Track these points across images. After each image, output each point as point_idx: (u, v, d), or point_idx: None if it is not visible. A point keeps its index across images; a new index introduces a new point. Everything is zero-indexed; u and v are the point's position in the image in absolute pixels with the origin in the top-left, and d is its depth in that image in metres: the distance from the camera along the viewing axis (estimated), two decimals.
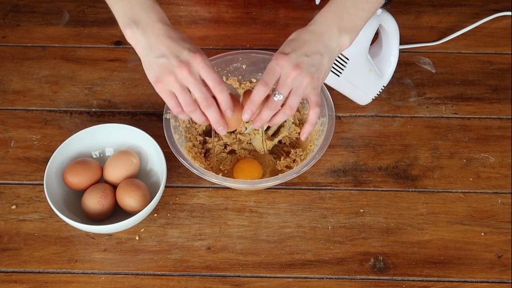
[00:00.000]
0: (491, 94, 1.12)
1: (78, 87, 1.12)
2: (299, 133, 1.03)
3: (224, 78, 1.05)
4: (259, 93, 0.82)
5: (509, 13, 1.22)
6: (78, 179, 0.94)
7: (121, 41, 1.18)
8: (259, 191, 1.00)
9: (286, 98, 0.83)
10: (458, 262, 0.93)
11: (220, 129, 0.84)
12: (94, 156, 1.01)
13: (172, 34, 0.80)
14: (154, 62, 0.80)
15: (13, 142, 1.05)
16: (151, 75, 0.81)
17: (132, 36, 0.81)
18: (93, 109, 1.09)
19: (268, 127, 1.01)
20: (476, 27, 1.20)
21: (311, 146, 0.99)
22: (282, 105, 0.84)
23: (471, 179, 1.02)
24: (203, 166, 0.98)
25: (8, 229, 0.96)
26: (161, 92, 0.81)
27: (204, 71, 0.79)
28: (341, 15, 0.84)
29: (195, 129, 1.03)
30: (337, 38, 0.84)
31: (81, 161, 0.96)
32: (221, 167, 1.01)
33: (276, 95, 0.82)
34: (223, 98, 0.81)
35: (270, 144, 1.01)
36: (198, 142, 1.02)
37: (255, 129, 1.01)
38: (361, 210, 0.98)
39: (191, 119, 0.88)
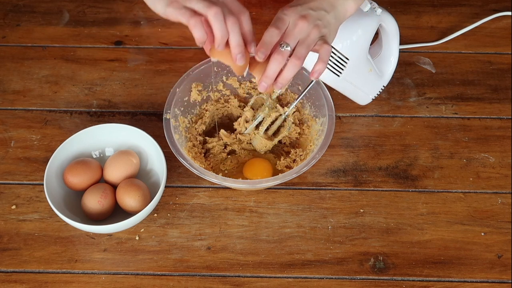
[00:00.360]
0: (491, 94, 1.12)
1: (78, 87, 1.12)
2: (299, 133, 1.03)
3: (224, 78, 1.05)
4: (271, 35, 0.79)
5: (509, 13, 1.22)
6: (78, 179, 0.94)
7: (121, 41, 1.18)
8: (259, 191, 1.00)
9: (293, 50, 0.80)
10: (458, 262, 0.93)
11: (239, 56, 0.79)
12: (94, 156, 1.01)
13: None
14: None
15: (13, 142, 1.05)
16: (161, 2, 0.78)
17: None
18: (93, 109, 1.09)
19: (268, 127, 1.01)
20: (476, 27, 1.20)
21: (311, 146, 0.99)
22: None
23: (471, 179, 1.02)
24: (203, 166, 0.98)
25: (8, 229, 0.96)
26: (176, 12, 0.77)
27: None
28: None
29: (195, 129, 1.03)
30: (342, 0, 0.85)
31: (81, 161, 0.96)
32: (221, 167, 1.01)
33: (283, 46, 0.79)
34: (248, 26, 0.79)
35: (270, 144, 1.01)
36: (198, 142, 1.02)
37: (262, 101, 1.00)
38: (361, 210, 0.98)
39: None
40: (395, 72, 1.06)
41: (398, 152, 1.05)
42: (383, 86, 1.06)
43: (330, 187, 1.01)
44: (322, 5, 0.83)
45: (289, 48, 0.79)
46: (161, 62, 1.15)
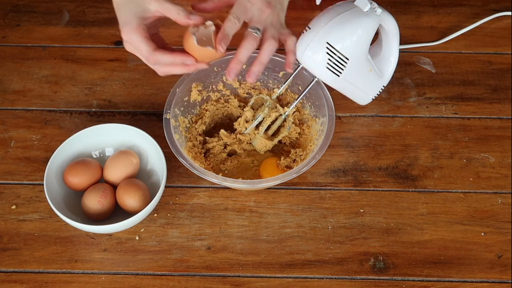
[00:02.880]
0: (491, 94, 1.12)
1: (78, 87, 1.12)
2: (299, 133, 1.03)
3: (224, 78, 1.05)
4: (231, 26, 0.83)
5: (509, 13, 1.22)
6: (78, 179, 0.94)
7: (121, 41, 1.18)
8: (259, 191, 1.00)
9: (263, 34, 0.86)
10: (458, 262, 0.93)
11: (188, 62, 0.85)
12: (94, 156, 1.01)
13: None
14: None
15: (13, 142, 1.05)
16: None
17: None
18: (93, 109, 1.09)
19: (268, 127, 1.01)
20: (476, 27, 1.20)
21: (311, 146, 0.99)
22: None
23: (471, 179, 1.02)
24: (203, 166, 0.98)
25: (8, 229, 0.96)
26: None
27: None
28: None
29: (195, 129, 1.03)
30: None
31: (81, 161, 0.96)
32: (221, 167, 1.01)
33: (255, 31, 0.85)
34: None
35: (270, 144, 1.01)
36: (198, 142, 1.02)
37: (252, 129, 1.00)
38: (361, 210, 0.98)
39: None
40: (395, 72, 1.06)
41: (398, 152, 1.05)
42: (383, 86, 1.06)
43: (330, 187, 1.01)
44: None
45: (259, 33, 0.84)
46: None
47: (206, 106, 1.05)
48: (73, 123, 1.07)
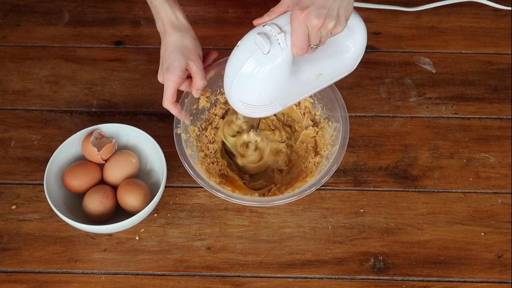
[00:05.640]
0: (491, 94, 1.12)
1: (78, 87, 1.12)
2: (316, 133, 1.02)
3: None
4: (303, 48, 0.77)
5: (509, 11, 1.21)
6: (78, 182, 0.94)
7: (121, 41, 1.18)
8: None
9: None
10: (458, 262, 0.93)
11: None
12: None
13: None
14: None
15: (13, 142, 1.05)
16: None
17: None
18: (93, 109, 1.09)
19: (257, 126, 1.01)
20: (476, 27, 1.20)
21: (324, 151, 0.98)
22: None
23: (471, 179, 1.02)
24: (217, 181, 0.95)
25: (8, 229, 0.96)
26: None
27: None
28: None
29: (206, 136, 1.01)
30: None
31: (80, 163, 0.96)
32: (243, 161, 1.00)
33: (313, 47, 0.78)
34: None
35: (280, 145, 1.02)
36: (209, 150, 1.01)
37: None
38: (361, 210, 0.98)
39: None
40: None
41: (398, 152, 1.05)
42: (357, 57, 0.89)
43: (330, 187, 1.01)
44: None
45: (316, 46, 0.79)
46: None
47: (215, 110, 1.04)
48: (73, 123, 1.07)
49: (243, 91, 0.82)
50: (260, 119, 0.99)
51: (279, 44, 0.77)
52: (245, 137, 1.01)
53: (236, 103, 0.84)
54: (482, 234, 0.96)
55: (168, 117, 1.07)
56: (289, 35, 0.77)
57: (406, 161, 1.03)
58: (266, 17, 0.81)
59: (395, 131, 1.07)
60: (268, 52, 0.77)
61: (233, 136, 1.02)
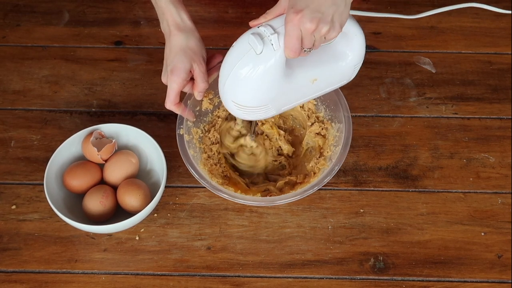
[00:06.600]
0: (491, 94, 1.12)
1: (78, 87, 1.12)
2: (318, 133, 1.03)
3: None
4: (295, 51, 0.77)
5: (509, 12, 1.22)
6: (78, 182, 0.94)
7: (121, 41, 1.18)
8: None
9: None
10: (458, 262, 0.93)
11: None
12: None
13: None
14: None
15: (13, 142, 1.05)
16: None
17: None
18: (93, 109, 1.09)
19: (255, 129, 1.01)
20: (476, 27, 1.20)
21: (327, 152, 0.98)
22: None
23: (471, 179, 1.02)
24: (220, 180, 0.96)
25: (8, 229, 0.96)
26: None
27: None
28: None
29: (209, 138, 1.01)
30: None
31: (80, 163, 0.96)
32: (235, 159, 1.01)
33: (306, 50, 0.78)
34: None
35: (289, 149, 1.02)
36: (213, 152, 1.01)
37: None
38: (361, 210, 0.98)
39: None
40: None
41: (398, 152, 1.05)
42: (355, 63, 0.89)
43: (330, 187, 1.01)
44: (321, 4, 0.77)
45: (309, 50, 0.79)
46: (161, 62, 1.14)
47: (218, 112, 1.03)
48: (73, 123, 1.07)
49: (236, 91, 0.82)
50: (255, 123, 0.99)
51: (272, 45, 0.77)
52: (242, 140, 1.01)
53: (229, 103, 0.84)
54: (482, 234, 0.96)
55: (168, 117, 1.07)
56: (283, 36, 0.77)
57: (406, 161, 1.03)
58: (261, 19, 0.81)
59: (395, 131, 1.07)
60: (261, 53, 0.77)
61: (234, 141, 1.02)
